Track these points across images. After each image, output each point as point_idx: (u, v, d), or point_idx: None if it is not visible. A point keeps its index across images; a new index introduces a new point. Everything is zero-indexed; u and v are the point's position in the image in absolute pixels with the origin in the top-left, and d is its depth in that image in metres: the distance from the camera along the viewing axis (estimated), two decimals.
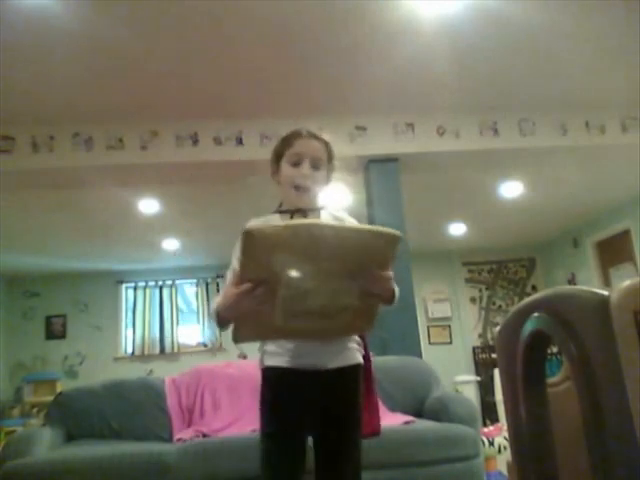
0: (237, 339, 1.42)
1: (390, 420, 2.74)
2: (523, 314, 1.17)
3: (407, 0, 2.86)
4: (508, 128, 4.13)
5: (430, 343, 7.67)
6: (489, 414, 6.01)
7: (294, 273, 1.28)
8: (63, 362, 7.25)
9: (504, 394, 1.29)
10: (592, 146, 4.21)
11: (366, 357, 1.73)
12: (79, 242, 6.25)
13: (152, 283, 7.69)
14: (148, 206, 5.20)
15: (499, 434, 3.50)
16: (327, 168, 1.66)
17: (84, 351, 7.31)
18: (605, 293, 0.95)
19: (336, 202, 5.39)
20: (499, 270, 8.18)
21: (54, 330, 7.39)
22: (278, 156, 1.68)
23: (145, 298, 7.63)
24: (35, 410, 6.48)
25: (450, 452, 2.49)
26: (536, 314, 1.11)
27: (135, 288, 7.68)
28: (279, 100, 3.77)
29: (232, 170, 4.14)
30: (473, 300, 8.06)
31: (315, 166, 1.61)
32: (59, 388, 6.47)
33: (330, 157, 1.68)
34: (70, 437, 2.88)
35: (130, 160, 3.84)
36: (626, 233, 6.34)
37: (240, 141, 3.92)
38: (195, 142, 3.89)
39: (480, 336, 7.90)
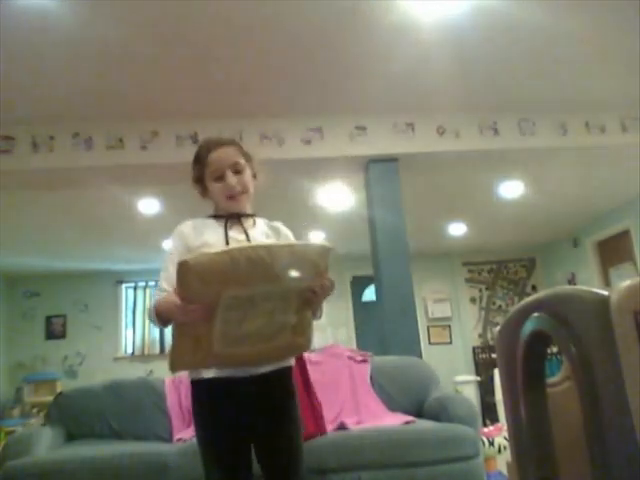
0: (174, 367, 1.41)
1: (390, 420, 2.75)
2: (523, 314, 1.17)
3: (407, 1, 2.86)
4: (508, 128, 4.13)
5: (430, 343, 7.68)
6: (489, 414, 6.01)
7: (230, 299, 1.29)
8: (63, 362, 7.25)
9: (504, 394, 1.29)
10: (592, 146, 4.21)
11: (299, 357, 1.76)
12: (79, 242, 6.25)
13: (152, 283, 7.68)
14: (148, 206, 5.21)
15: (499, 434, 3.50)
16: (249, 167, 1.66)
17: (84, 351, 7.31)
18: (605, 293, 0.95)
19: (336, 202, 5.39)
20: (499, 270, 8.19)
21: (54, 330, 7.39)
22: (200, 179, 1.66)
23: (145, 298, 7.63)
24: (35, 410, 6.48)
25: (450, 452, 2.49)
26: (536, 314, 1.11)
27: (135, 288, 7.68)
28: (279, 100, 3.77)
29: None
30: (473, 300, 8.07)
31: (237, 171, 1.61)
32: (59, 388, 6.48)
33: (246, 155, 1.67)
34: (70, 437, 2.88)
35: (130, 160, 3.84)
36: (626, 233, 6.34)
37: (240, 141, 3.92)
38: (195, 142, 3.88)
39: (480, 336, 7.91)
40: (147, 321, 7.50)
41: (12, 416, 6.50)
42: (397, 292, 3.79)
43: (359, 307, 8.24)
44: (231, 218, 1.61)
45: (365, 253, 4.44)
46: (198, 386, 1.52)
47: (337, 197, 5.27)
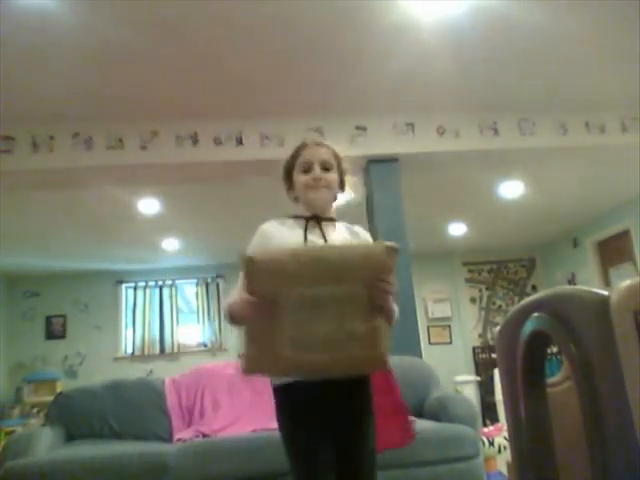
0: (247, 370, 1.41)
1: None
2: (523, 314, 1.17)
3: (407, 1, 2.86)
4: (508, 128, 4.13)
5: (430, 343, 7.67)
6: (489, 414, 6.01)
7: (297, 298, 1.30)
8: (63, 362, 7.25)
9: (504, 394, 1.29)
10: (592, 146, 4.21)
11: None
12: (79, 242, 6.24)
13: (152, 283, 7.68)
14: (148, 206, 5.20)
15: (499, 434, 3.50)
16: (338, 172, 1.69)
17: (84, 351, 7.31)
18: (605, 293, 0.95)
19: (336, 202, 5.38)
20: (499, 270, 8.18)
21: (54, 330, 7.39)
22: (289, 170, 1.70)
23: (145, 298, 7.63)
24: (35, 410, 6.48)
25: (450, 452, 2.49)
26: (536, 314, 1.12)
27: (135, 288, 7.68)
28: (279, 100, 3.77)
29: (232, 170, 4.14)
30: (473, 300, 8.06)
31: (325, 168, 1.65)
32: (59, 388, 6.48)
33: (339, 162, 1.70)
34: (70, 437, 2.89)
35: (130, 160, 3.84)
36: (626, 233, 6.34)
37: (240, 141, 3.92)
38: (195, 142, 3.89)
39: (480, 336, 7.90)
40: (147, 321, 7.51)
41: (12, 416, 6.49)
42: (397, 292, 3.79)
43: None
44: (311, 220, 1.63)
45: None
46: (279, 391, 1.54)
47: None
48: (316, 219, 1.63)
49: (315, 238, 1.59)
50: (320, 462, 1.45)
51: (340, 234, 1.65)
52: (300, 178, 1.65)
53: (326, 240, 1.59)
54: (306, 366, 1.36)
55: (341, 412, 1.51)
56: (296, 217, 1.66)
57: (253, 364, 1.40)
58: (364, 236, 1.70)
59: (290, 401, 1.51)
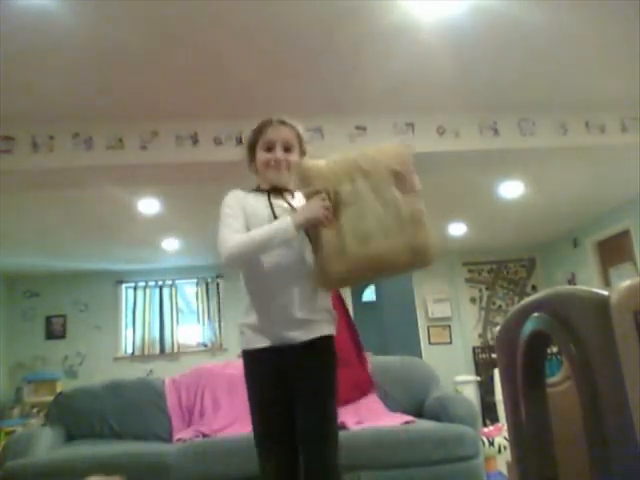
0: (326, 283, 1.57)
1: (390, 420, 2.75)
2: (523, 314, 1.17)
3: (407, 1, 2.86)
4: (508, 128, 4.12)
5: (430, 343, 7.67)
6: (489, 414, 6.01)
7: (343, 194, 1.53)
8: (63, 362, 7.24)
9: (504, 394, 1.29)
10: (592, 146, 4.20)
11: (349, 325, 1.85)
12: (79, 242, 6.24)
13: (152, 283, 7.68)
14: (148, 206, 5.20)
15: (499, 434, 3.50)
16: (300, 152, 1.80)
17: (84, 351, 7.31)
18: (605, 293, 0.95)
19: None
20: (499, 270, 8.18)
21: (54, 330, 7.39)
22: (252, 146, 1.79)
23: (145, 298, 7.63)
24: (35, 410, 6.48)
25: (450, 452, 2.49)
26: (536, 314, 1.12)
27: (135, 288, 7.68)
28: (279, 100, 3.76)
29: (232, 170, 4.13)
30: (473, 300, 8.06)
31: (287, 149, 1.75)
32: (59, 388, 6.48)
33: (301, 141, 1.82)
34: (70, 437, 2.89)
35: (130, 160, 3.84)
36: (626, 233, 6.34)
37: (240, 141, 3.92)
38: (195, 142, 3.89)
39: (480, 336, 7.90)
40: (147, 321, 7.50)
41: (12, 416, 6.49)
42: (397, 292, 3.80)
43: (359, 307, 8.24)
44: (273, 192, 1.73)
45: None
46: (245, 355, 1.68)
47: None
48: (277, 190, 1.74)
49: (280, 203, 1.71)
50: (272, 412, 1.61)
51: (300, 200, 1.71)
52: (262, 156, 1.75)
53: (292, 206, 1.69)
54: (370, 260, 1.52)
55: (297, 370, 1.62)
56: (257, 190, 1.77)
57: (328, 272, 1.53)
58: None
59: (251, 361, 1.67)
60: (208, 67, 3.33)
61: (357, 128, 4.03)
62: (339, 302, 2.24)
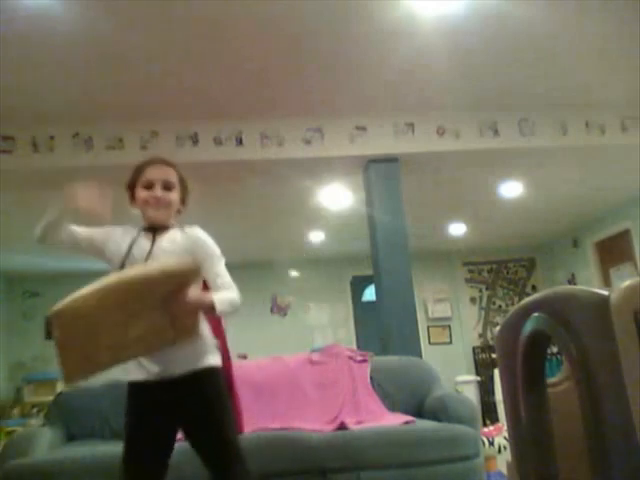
0: (69, 379, 1.69)
1: (390, 420, 2.75)
2: (523, 314, 1.17)
3: (408, 0, 2.86)
4: (508, 128, 4.12)
5: (430, 343, 7.67)
6: (489, 414, 6.01)
7: (111, 325, 1.52)
8: None
9: (504, 394, 1.29)
10: (592, 146, 4.21)
11: (225, 357, 1.86)
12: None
13: None
14: None
15: (499, 434, 3.50)
16: (181, 190, 1.83)
17: None
18: (605, 293, 0.95)
19: (336, 202, 5.39)
20: (499, 270, 8.18)
21: None
22: (132, 185, 1.82)
23: None
24: (35, 410, 6.47)
25: (450, 452, 2.49)
26: (536, 314, 1.11)
27: None
28: (279, 100, 3.77)
29: (232, 170, 4.14)
30: (473, 300, 8.06)
31: (167, 188, 1.76)
32: (59, 388, 6.47)
33: (182, 180, 1.84)
34: (70, 437, 2.88)
35: (130, 160, 3.81)
36: (626, 233, 6.34)
37: (240, 141, 3.92)
38: (195, 142, 3.89)
39: (480, 336, 7.90)
40: None
41: (12, 416, 6.49)
42: (397, 292, 3.80)
43: (359, 307, 8.24)
44: (148, 231, 1.75)
45: (365, 253, 4.43)
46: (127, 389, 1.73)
47: (337, 197, 5.27)
48: (152, 229, 1.75)
49: (146, 243, 1.72)
50: (137, 439, 1.64)
51: (169, 238, 1.75)
52: (142, 193, 1.76)
53: (152, 245, 1.71)
54: (127, 358, 1.61)
55: (181, 414, 1.64)
56: (140, 229, 1.78)
57: (72, 369, 1.65)
58: (198, 236, 1.81)
59: (128, 392, 1.72)
60: (208, 67, 3.33)
61: (357, 128, 4.03)
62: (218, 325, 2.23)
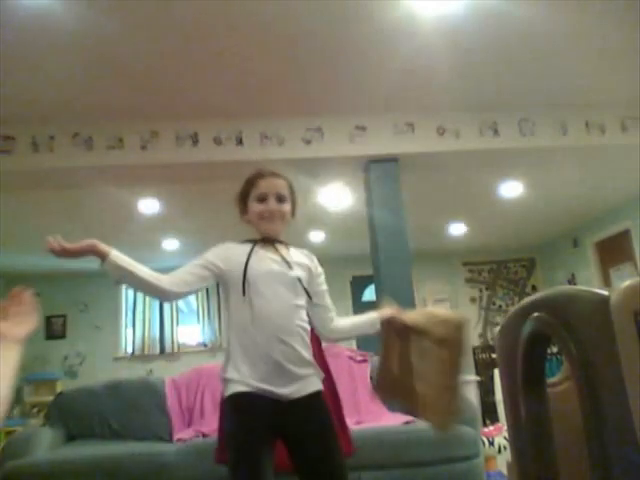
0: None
1: (390, 420, 2.75)
2: (523, 314, 1.17)
3: (408, 0, 2.86)
4: (508, 128, 4.12)
5: None
6: (489, 414, 6.01)
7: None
8: (63, 362, 7.24)
9: (504, 394, 1.29)
10: (592, 146, 4.20)
11: (327, 374, 1.85)
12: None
13: None
14: (148, 206, 5.20)
15: (499, 434, 3.50)
16: (291, 201, 1.78)
17: (84, 351, 7.31)
18: (605, 293, 0.95)
19: (336, 202, 5.39)
20: (499, 270, 8.18)
21: (54, 330, 7.38)
22: (244, 197, 1.78)
23: (145, 298, 7.62)
24: (35, 410, 6.48)
25: (450, 452, 2.49)
26: (536, 314, 1.11)
27: None
28: (279, 100, 3.77)
29: (232, 170, 4.14)
30: (473, 300, 8.06)
31: (280, 200, 1.73)
32: (59, 388, 6.47)
33: (292, 192, 1.79)
34: (70, 437, 2.88)
35: (130, 160, 3.84)
36: (626, 233, 6.33)
37: (240, 141, 3.92)
38: (195, 142, 3.89)
39: (480, 336, 7.90)
40: (147, 321, 7.50)
41: (12, 416, 6.49)
42: (397, 292, 3.79)
43: (359, 307, 8.24)
44: (263, 242, 1.71)
45: (365, 253, 4.43)
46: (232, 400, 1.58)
47: (337, 197, 5.26)
48: (269, 240, 1.71)
49: (270, 255, 1.67)
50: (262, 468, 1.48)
51: (293, 253, 1.72)
52: (255, 207, 1.72)
53: (284, 258, 1.67)
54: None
55: (299, 424, 1.57)
56: (250, 241, 1.74)
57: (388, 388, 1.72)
58: (313, 258, 1.77)
59: (241, 409, 1.54)
60: (208, 67, 3.33)
61: (357, 128, 4.03)
62: (321, 355, 2.20)
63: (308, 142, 3.96)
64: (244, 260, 1.64)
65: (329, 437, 1.58)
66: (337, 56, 3.31)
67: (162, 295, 1.64)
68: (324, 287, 1.75)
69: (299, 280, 1.65)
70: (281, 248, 1.71)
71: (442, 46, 3.22)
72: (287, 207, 1.74)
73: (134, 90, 3.50)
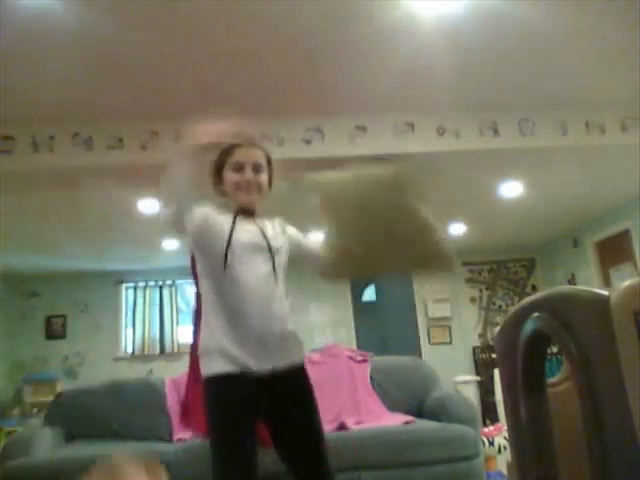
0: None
1: (390, 420, 2.75)
2: (523, 314, 1.17)
3: (407, 0, 2.86)
4: (508, 128, 4.12)
5: (430, 343, 7.66)
6: (489, 414, 6.01)
7: None
8: (63, 362, 7.24)
9: (504, 394, 1.29)
10: (592, 146, 4.20)
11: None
12: (79, 242, 6.24)
13: (152, 283, 7.68)
14: (148, 206, 5.20)
15: (499, 434, 3.50)
16: (268, 172, 1.76)
17: (84, 351, 7.31)
18: (605, 293, 0.95)
19: None
20: (499, 270, 8.18)
21: (54, 330, 7.39)
22: (219, 167, 1.75)
23: (145, 298, 7.63)
24: (35, 410, 6.47)
25: (450, 452, 2.49)
26: (536, 314, 1.11)
27: (135, 288, 7.68)
28: (279, 100, 3.77)
29: None
30: (473, 300, 8.05)
31: (257, 170, 1.71)
32: (59, 388, 6.46)
33: (269, 162, 1.77)
34: (70, 437, 2.88)
35: (130, 160, 3.84)
36: (626, 233, 6.33)
37: None
38: None
39: (480, 336, 7.90)
40: (147, 321, 7.49)
41: (12, 416, 6.49)
42: (397, 292, 3.79)
43: (359, 307, 8.24)
44: (243, 213, 1.69)
45: None
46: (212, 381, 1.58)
47: None
48: (246, 211, 1.70)
49: (249, 227, 1.66)
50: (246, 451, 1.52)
51: (271, 225, 1.73)
52: (231, 177, 1.70)
53: (262, 230, 1.67)
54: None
55: (279, 399, 1.57)
56: (230, 211, 1.71)
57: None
58: (288, 229, 1.80)
59: (224, 392, 1.53)
60: (208, 67, 3.33)
61: (357, 128, 4.03)
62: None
63: (308, 142, 3.96)
64: (227, 229, 1.62)
65: (311, 411, 1.59)
66: (337, 56, 3.31)
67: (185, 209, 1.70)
68: (300, 235, 1.79)
69: (278, 250, 1.66)
70: (259, 220, 1.71)
71: (442, 46, 3.22)
72: (264, 177, 1.72)
73: (134, 90, 3.50)
